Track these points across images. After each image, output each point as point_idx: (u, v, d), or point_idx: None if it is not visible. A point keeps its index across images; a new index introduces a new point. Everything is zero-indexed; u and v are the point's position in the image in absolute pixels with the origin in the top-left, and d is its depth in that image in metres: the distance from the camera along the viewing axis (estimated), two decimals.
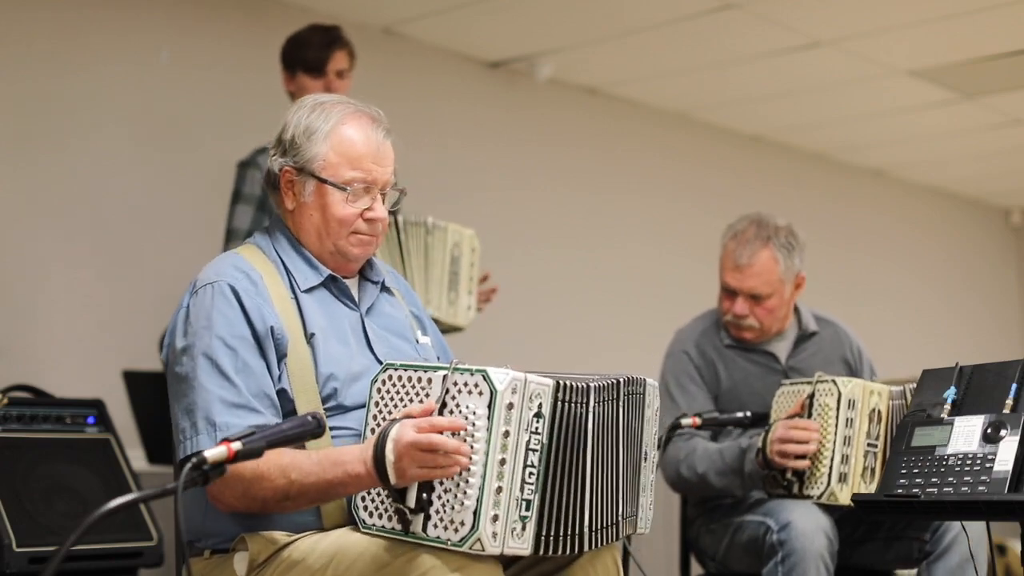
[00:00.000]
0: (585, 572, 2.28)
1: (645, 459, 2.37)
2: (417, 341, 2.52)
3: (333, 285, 2.43)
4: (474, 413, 2.05)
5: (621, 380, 2.25)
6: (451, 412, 2.07)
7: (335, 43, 3.99)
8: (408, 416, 2.09)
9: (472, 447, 2.04)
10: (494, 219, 5.28)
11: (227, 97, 4.74)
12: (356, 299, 2.46)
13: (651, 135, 6.33)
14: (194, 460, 1.90)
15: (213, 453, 1.92)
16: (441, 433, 2.04)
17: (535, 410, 2.08)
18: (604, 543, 2.24)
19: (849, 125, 6.69)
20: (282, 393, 2.28)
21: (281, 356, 2.29)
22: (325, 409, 2.29)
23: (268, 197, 3.82)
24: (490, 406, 2.04)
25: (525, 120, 5.81)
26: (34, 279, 4.23)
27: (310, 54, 3.96)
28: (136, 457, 3.63)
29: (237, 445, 1.94)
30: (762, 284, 3.44)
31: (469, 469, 2.04)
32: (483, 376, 2.06)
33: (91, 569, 3.13)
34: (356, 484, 2.13)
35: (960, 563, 3.16)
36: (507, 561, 2.21)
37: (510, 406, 2.05)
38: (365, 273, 2.52)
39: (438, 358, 2.58)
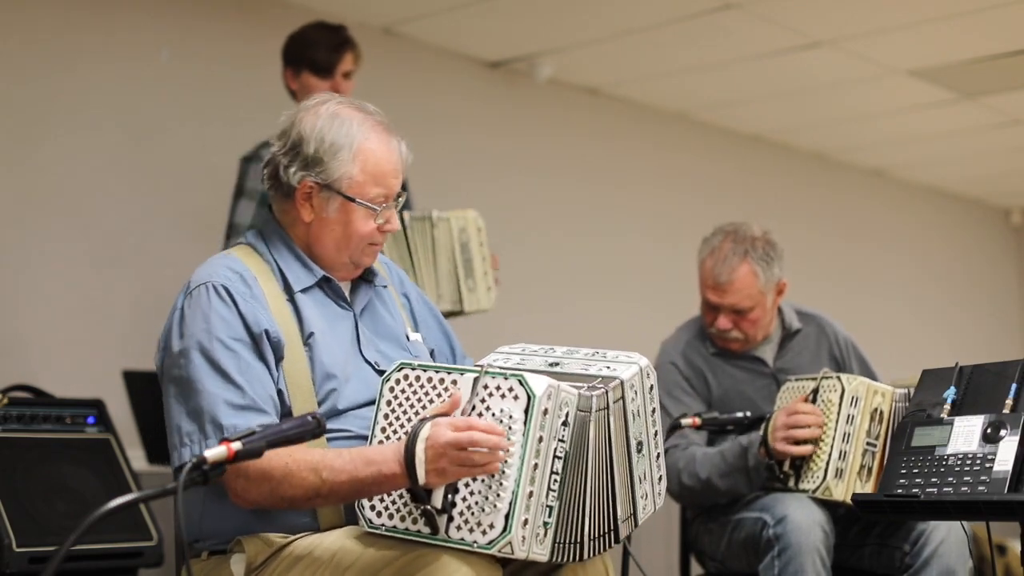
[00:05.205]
0: (575, 574, 2.27)
1: (639, 450, 2.32)
2: (408, 338, 2.50)
3: (327, 286, 2.40)
4: (510, 417, 2.06)
5: (607, 390, 2.21)
6: (480, 415, 2.07)
7: (345, 45, 3.98)
8: (440, 415, 2.08)
9: (508, 450, 2.04)
10: (494, 220, 5.25)
11: (226, 95, 4.74)
12: (349, 300, 2.44)
13: (651, 135, 6.33)
14: (194, 460, 1.90)
15: (213, 453, 1.92)
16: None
17: (563, 418, 2.10)
18: (600, 551, 2.23)
19: (849, 125, 6.68)
20: (279, 395, 2.26)
21: (279, 359, 2.27)
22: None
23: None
24: (527, 411, 2.05)
25: (525, 120, 5.80)
26: (33, 279, 4.23)
27: (320, 55, 3.94)
28: (136, 457, 3.63)
29: (237, 445, 1.94)
30: (743, 299, 3.43)
31: (504, 472, 2.04)
32: (519, 381, 2.07)
33: (91, 569, 3.13)
34: (390, 484, 2.09)
35: None
36: (502, 561, 2.19)
37: (545, 412, 2.07)
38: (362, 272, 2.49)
39: (432, 351, 2.56)
